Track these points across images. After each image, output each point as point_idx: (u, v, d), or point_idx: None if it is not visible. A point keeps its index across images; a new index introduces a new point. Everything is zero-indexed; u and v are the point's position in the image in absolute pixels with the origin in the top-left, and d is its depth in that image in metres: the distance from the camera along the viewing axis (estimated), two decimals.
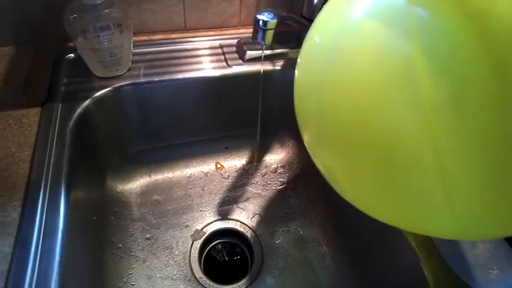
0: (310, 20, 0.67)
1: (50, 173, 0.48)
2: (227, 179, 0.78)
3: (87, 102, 0.58)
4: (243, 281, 0.64)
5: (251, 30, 0.60)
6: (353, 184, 0.36)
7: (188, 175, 0.77)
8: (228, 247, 0.70)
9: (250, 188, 0.77)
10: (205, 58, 0.68)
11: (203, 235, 0.69)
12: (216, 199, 0.74)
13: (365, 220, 0.60)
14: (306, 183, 0.77)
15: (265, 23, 0.56)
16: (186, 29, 0.73)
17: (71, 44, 0.65)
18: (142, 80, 0.63)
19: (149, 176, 0.75)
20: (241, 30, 0.76)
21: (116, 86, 0.61)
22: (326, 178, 0.39)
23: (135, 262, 0.63)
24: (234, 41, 0.71)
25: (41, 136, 0.52)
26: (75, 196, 0.50)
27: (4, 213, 0.43)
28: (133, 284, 0.61)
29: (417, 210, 0.31)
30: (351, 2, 0.32)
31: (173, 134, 0.74)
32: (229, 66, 0.67)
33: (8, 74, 0.59)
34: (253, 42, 0.60)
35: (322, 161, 0.38)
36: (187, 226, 0.69)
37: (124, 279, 0.61)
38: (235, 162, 0.80)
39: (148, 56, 0.67)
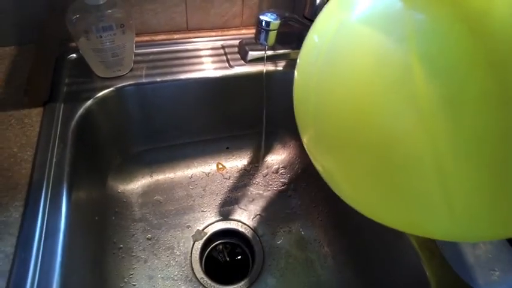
0: (312, 21, 0.66)
1: (52, 173, 0.48)
2: (228, 179, 0.78)
3: (89, 102, 0.58)
4: (244, 282, 0.64)
5: (253, 30, 0.61)
6: (351, 186, 0.36)
7: (189, 175, 0.77)
8: (229, 247, 0.70)
9: (251, 189, 0.77)
10: (207, 59, 0.68)
11: (204, 235, 0.69)
12: (218, 199, 0.74)
13: (366, 220, 0.60)
14: (308, 184, 0.77)
15: (268, 23, 0.56)
16: (188, 29, 0.73)
17: (73, 44, 0.65)
18: (144, 80, 0.63)
19: (151, 176, 0.75)
20: (243, 31, 0.76)
21: (118, 86, 0.61)
22: (325, 180, 0.39)
23: (136, 262, 0.63)
24: (236, 42, 0.71)
25: (43, 136, 0.52)
26: (77, 196, 0.50)
27: (6, 213, 0.43)
28: (135, 285, 0.61)
29: (416, 212, 0.31)
30: (349, 4, 0.33)
31: (175, 134, 0.74)
32: (231, 66, 0.67)
33: (10, 74, 0.60)
34: (256, 42, 0.60)
35: (321, 162, 0.38)
36: (188, 226, 0.69)
37: (125, 280, 0.61)
38: (237, 162, 0.80)
39: (151, 57, 0.67)
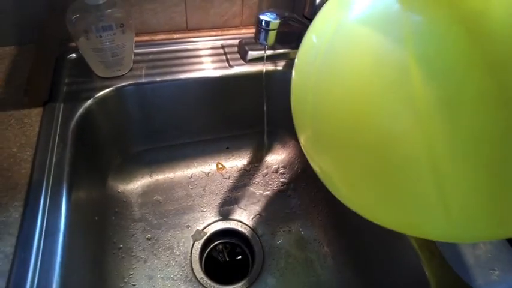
0: (312, 21, 0.66)
1: (52, 173, 0.48)
2: (228, 179, 0.78)
3: (89, 102, 0.58)
4: (244, 282, 0.64)
5: (253, 30, 0.60)
6: (348, 187, 0.36)
7: (189, 175, 0.77)
8: (229, 247, 0.70)
9: (251, 189, 0.77)
10: (206, 58, 0.68)
11: (204, 235, 0.69)
12: (217, 199, 0.74)
13: (366, 221, 0.60)
14: (307, 184, 0.77)
15: (267, 23, 0.56)
16: (187, 29, 0.73)
17: (73, 44, 0.65)
18: (144, 80, 0.63)
19: (150, 176, 0.75)
20: (243, 31, 0.76)
21: (117, 86, 0.61)
22: (322, 181, 0.39)
23: (136, 262, 0.63)
24: (236, 41, 0.71)
25: (43, 136, 0.52)
26: (77, 196, 0.50)
27: (6, 213, 0.43)
28: (134, 285, 0.61)
29: (413, 213, 0.31)
30: (347, 5, 0.33)
31: (174, 134, 0.74)
32: (230, 66, 0.67)
33: (10, 74, 0.60)
34: (256, 42, 0.60)
35: (319, 163, 0.38)
36: (188, 226, 0.69)
37: (125, 280, 0.61)
38: (237, 162, 0.80)
39: (150, 56, 0.67)
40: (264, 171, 0.80)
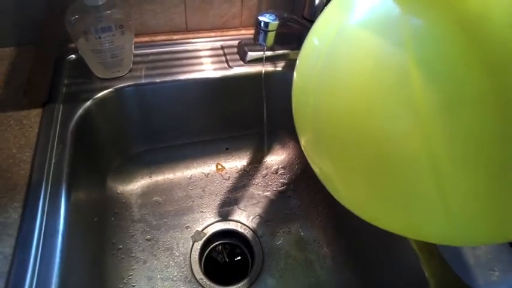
0: (312, 22, 0.66)
1: (51, 174, 0.48)
2: (228, 180, 0.78)
3: (88, 103, 0.58)
4: (244, 282, 0.64)
5: (252, 31, 0.61)
6: (349, 189, 0.36)
7: (189, 176, 0.77)
8: (229, 248, 0.70)
9: (251, 189, 0.77)
10: (206, 59, 0.68)
11: (204, 236, 0.69)
12: (217, 200, 0.74)
13: (365, 221, 0.61)
14: (307, 184, 0.77)
15: (266, 24, 0.56)
16: (187, 30, 0.73)
17: (72, 45, 0.65)
18: (143, 81, 0.63)
19: (150, 177, 0.75)
20: (243, 32, 0.76)
21: (117, 87, 0.61)
22: (322, 182, 0.39)
23: (136, 263, 0.63)
24: (235, 42, 0.72)
25: (42, 137, 0.52)
26: (76, 197, 0.50)
27: (5, 214, 0.43)
28: (134, 285, 0.61)
29: (412, 215, 0.31)
30: (349, 8, 0.33)
31: (174, 135, 0.74)
32: (230, 67, 0.67)
33: (9, 75, 0.60)
34: (255, 43, 0.60)
35: (319, 165, 0.39)
36: (187, 227, 0.69)
37: (124, 280, 0.61)
38: (236, 163, 0.80)
39: (150, 57, 0.67)
40: (264, 172, 0.80)
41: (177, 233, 0.68)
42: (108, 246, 0.63)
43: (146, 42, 0.70)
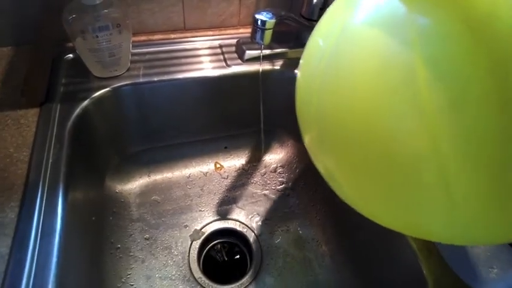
0: (310, 20, 0.66)
1: (48, 173, 0.48)
2: (226, 178, 0.78)
3: (86, 102, 0.58)
4: (242, 281, 0.64)
5: (250, 30, 0.60)
6: (353, 187, 0.36)
7: (187, 175, 0.77)
8: (227, 247, 0.70)
9: (249, 188, 0.77)
10: (204, 58, 0.68)
11: (202, 235, 0.69)
12: (215, 199, 0.74)
13: (364, 220, 0.60)
14: (306, 183, 0.77)
15: (263, 22, 0.56)
16: (185, 29, 0.73)
17: (70, 44, 0.65)
18: (141, 80, 0.63)
19: (148, 176, 0.75)
20: (241, 30, 0.76)
21: (114, 86, 0.61)
22: (326, 181, 0.39)
23: (134, 262, 0.63)
24: (233, 41, 0.71)
25: (39, 137, 0.52)
26: (74, 197, 0.50)
27: (2, 214, 0.43)
28: (132, 284, 0.61)
29: (418, 214, 0.31)
30: (353, 7, 0.33)
31: (172, 134, 0.74)
32: (228, 66, 0.67)
33: (6, 75, 0.60)
34: (252, 41, 0.59)
35: (323, 163, 0.38)
36: (186, 226, 0.69)
37: (123, 280, 0.61)
38: (235, 162, 0.80)
39: (148, 56, 0.67)
40: (263, 171, 0.80)
41: (176, 232, 0.68)
42: (106, 245, 0.63)
43: (144, 41, 0.70)
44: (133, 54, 0.65)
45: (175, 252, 0.66)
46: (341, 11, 0.35)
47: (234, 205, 0.74)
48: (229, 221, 0.71)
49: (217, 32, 0.74)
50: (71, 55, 0.65)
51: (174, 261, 0.65)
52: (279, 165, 0.81)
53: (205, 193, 0.75)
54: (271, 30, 0.57)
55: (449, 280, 0.44)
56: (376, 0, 0.31)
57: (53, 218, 0.44)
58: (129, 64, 0.64)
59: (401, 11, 0.28)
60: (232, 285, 0.63)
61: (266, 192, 0.76)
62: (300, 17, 0.66)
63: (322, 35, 0.36)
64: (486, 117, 0.24)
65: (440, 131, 0.26)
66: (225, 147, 0.80)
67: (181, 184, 0.75)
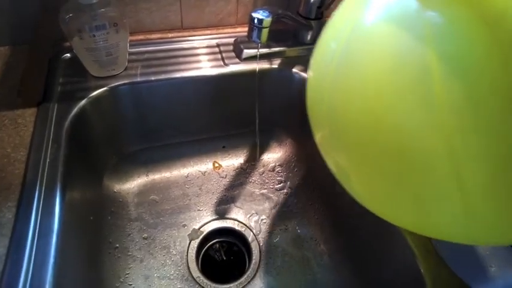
0: (307, 18, 0.66)
1: (46, 173, 0.48)
2: (225, 178, 0.78)
3: (83, 102, 0.58)
4: (241, 280, 0.63)
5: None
6: (366, 185, 0.36)
7: (186, 174, 0.77)
8: (226, 246, 0.70)
9: (248, 187, 0.77)
10: (202, 57, 0.68)
11: (200, 234, 0.68)
12: (214, 198, 0.74)
13: (363, 219, 0.61)
14: (304, 182, 0.77)
15: (260, 21, 0.56)
16: (182, 28, 0.73)
17: (67, 43, 0.65)
18: (139, 79, 0.63)
19: (146, 175, 0.75)
20: (238, 29, 0.76)
21: (112, 85, 0.61)
22: (337, 178, 0.39)
23: (132, 262, 0.63)
24: (231, 40, 0.71)
25: (37, 136, 0.52)
26: (71, 196, 0.50)
27: None
28: (131, 284, 0.61)
29: (432, 214, 0.31)
30: (364, 5, 0.32)
31: (170, 133, 0.74)
32: (226, 65, 0.67)
33: (3, 74, 0.59)
34: (249, 40, 0.59)
35: (334, 160, 0.38)
36: (184, 225, 0.69)
37: (121, 279, 0.61)
38: (233, 161, 0.80)
39: (145, 55, 0.67)
40: (261, 170, 0.80)
41: (174, 232, 0.68)
42: (104, 245, 0.63)
43: (141, 40, 0.70)
44: (130, 54, 0.65)
45: (174, 252, 0.66)
46: (352, 10, 0.34)
47: (233, 204, 0.74)
48: (228, 220, 0.71)
49: (214, 31, 0.74)
50: (68, 54, 0.65)
51: (173, 260, 0.65)
52: (277, 164, 0.81)
53: (204, 192, 0.75)
54: (267, 28, 0.57)
55: (448, 279, 0.44)
56: None
57: (51, 218, 0.44)
58: (126, 63, 0.64)
59: (414, 7, 0.28)
60: (231, 285, 0.63)
61: (264, 191, 0.76)
62: (297, 15, 0.66)
63: (333, 34, 0.36)
64: (501, 113, 0.24)
65: (455, 128, 0.25)
66: (223, 147, 0.80)
67: (180, 183, 0.75)
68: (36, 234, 0.42)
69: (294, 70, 0.69)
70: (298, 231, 0.71)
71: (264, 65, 0.68)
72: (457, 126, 0.25)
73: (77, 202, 0.53)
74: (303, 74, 0.68)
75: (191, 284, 0.62)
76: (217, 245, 0.70)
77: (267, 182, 0.78)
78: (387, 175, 0.31)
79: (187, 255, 0.65)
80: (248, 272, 0.65)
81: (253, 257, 0.67)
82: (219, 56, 0.69)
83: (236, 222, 0.71)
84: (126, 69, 0.63)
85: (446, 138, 0.26)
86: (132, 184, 0.73)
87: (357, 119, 0.31)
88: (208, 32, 0.74)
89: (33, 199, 0.45)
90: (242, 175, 0.78)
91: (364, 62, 0.30)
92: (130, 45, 0.63)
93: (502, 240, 0.35)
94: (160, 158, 0.76)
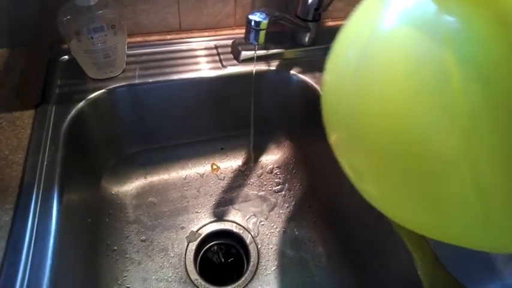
0: (305, 20, 0.66)
1: (43, 175, 0.48)
2: (223, 180, 0.77)
3: (81, 104, 0.58)
4: (239, 282, 0.63)
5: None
6: (380, 189, 0.36)
7: (184, 176, 0.77)
8: (224, 248, 0.70)
9: (246, 189, 0.77)
10: (200, 59, 0.68)
11: (199, 237, 0.68)
12: (212, 200, 0.74)
13: (360, 221, 0.61)
14: (302, 184, 0.77)
15: (257, 23, 0.56)
16: (181, 29, 0.73)
17: (65, 45, 0.65)
18: (137, 81, 0.63)
19: (145, 177, 0.75)
20: (236, 31, 0.76)
21: (110, 87, 0.61)
22: (352, 181, 0.39)
23: (130, 264, 0.63)
24: (229, 42, 0.71)
25: (35, 138, 0.52)
26: (69, 199, 0.50)
27: None
28: (128, 287, 0.61)
29: (450, 220, 0.30)
30: (381, 9, 0.32)
31: (168, 135, 0.74)
32: (224, 67, 0.67)
33: (1, 76, 0.59)
34: (246, 42, 0.59)
35: (350, 162, 0.38)
36: (182, 228, 0.69)
37: (119, 282, 0.61)
38: (231, 163, 0.80)
39: (143, 57, 0.67)
40: (259, 172, 0.80)
41: (172, 234, 0.68)
42: (102, 247, 0.63)
43: (139, 42, 0.70)
44: (128, 56, 0.65)
45: (172, 254, 0.66)
46: (369, 13, 0.34)
47: (231, 206, 0.74)
48: (226, 223, 0.71)
49: (212, 33, 0.74)
50: (66, 57, 0.65)
51: (171, 263, 0.64)
52: (275, 166, 0.81)
53: (202, 194, 0.75)
54: (265, 30, 0.57)
55: (445, 280, 0.44)
56: (405, 1, 0.30)
57: (48, 220, 0.43)
58: (124, 65, 0.64)
59: (432, 11, 0.28)
60: (229, 287, 0.63)
61: (262, 193, 0.76)
62: (295, 17, 0.67)
63: (350, 37, 0.36)
64: None
65: (475, 135, 0.25)
66: (222, 148, 0.80)
67: (178, 185, 0.75)
68: (34, 237, 0.42)
69: (292, 72, 0.69)
70: (296, 233, 0.71)
71: (262, 66, 0.69)
72: (477, 130, 0.25)
73: (74, 204, 0.53)
74: (301, 76, 0.68)
75: (189, 287, 0.62)
76: (216, 247, 0.70)
77: (265, 184, 0.78)
78: (404, 179, 0.31)
79: (185, 257, 0.65)
80: (246, 274, 0.65)
81: (251, 259, 0.66)
82: (217, 57, 0.69)
83: (234, 224, 0.71)
84: (124, 71, 0.63)
85: (465, 143, 0.26)
86: (130, 186, 0.73)
87: (375, 122, 0.31)
88: (206, 33, 0.74)
89: (30, 201, 0.44)
90: (240, 177, 0.78)
91: (383, 66, 0.30)
92: (128, 47, 0.63)
93: None
94: (158, 160, 0.76)
